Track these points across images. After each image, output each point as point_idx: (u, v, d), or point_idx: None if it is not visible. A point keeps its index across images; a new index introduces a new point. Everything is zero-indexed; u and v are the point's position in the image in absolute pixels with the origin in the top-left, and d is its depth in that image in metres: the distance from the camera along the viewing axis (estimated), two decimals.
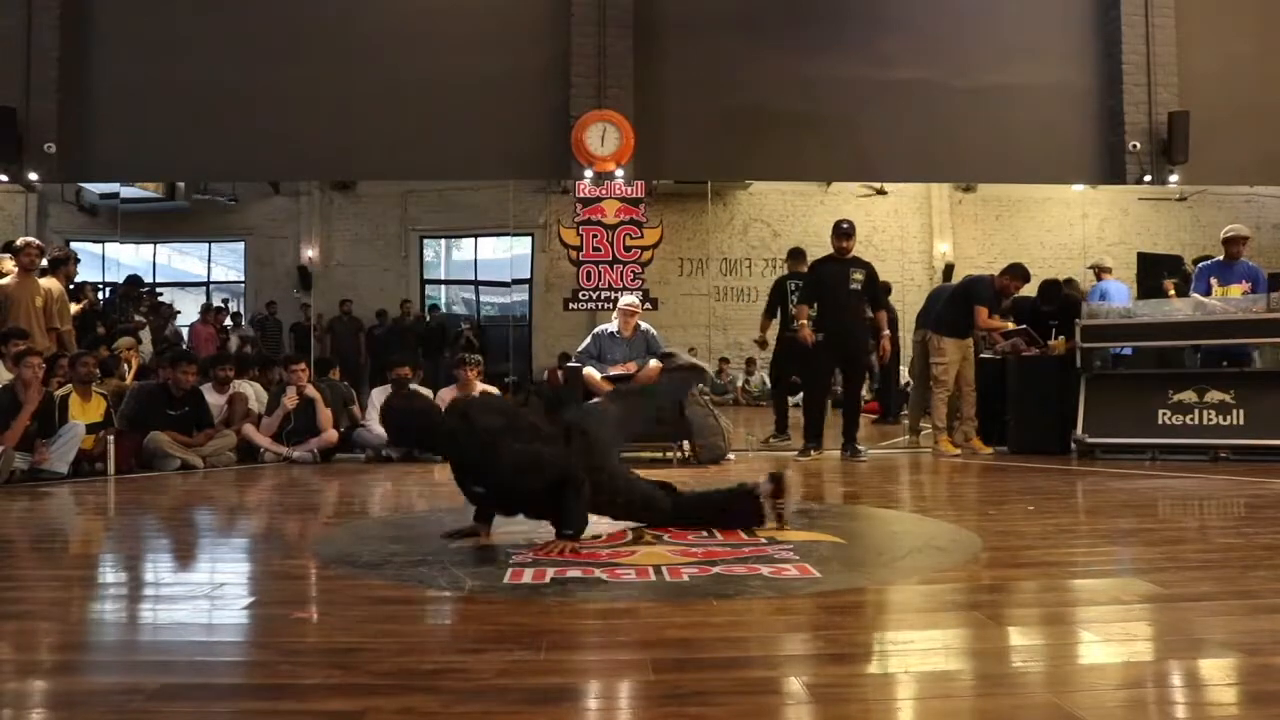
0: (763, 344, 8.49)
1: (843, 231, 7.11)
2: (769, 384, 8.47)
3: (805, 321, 7.04)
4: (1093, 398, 6.80)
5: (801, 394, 7.53)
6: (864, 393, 11.40)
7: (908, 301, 9.98)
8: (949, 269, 10.78)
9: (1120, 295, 8.20)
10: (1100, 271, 8.53)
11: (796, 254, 8.14)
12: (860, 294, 7.05)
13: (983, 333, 7.46)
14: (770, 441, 7.90)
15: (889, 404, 10.54)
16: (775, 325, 8.14)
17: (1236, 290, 6.97)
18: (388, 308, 10.83)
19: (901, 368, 10.31)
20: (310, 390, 7.30)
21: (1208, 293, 7.08)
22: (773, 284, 8.38)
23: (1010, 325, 7.36)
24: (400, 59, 9.74)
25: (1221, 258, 7.28)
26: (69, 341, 7.21)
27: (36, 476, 5.76)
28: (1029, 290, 7.57)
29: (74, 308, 7.70)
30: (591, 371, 6.90)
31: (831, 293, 7.01)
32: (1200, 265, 7.57)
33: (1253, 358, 7.20)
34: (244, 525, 4.46)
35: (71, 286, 7.92)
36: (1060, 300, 7.61)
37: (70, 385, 6.37)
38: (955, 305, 7.34)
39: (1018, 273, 7.26)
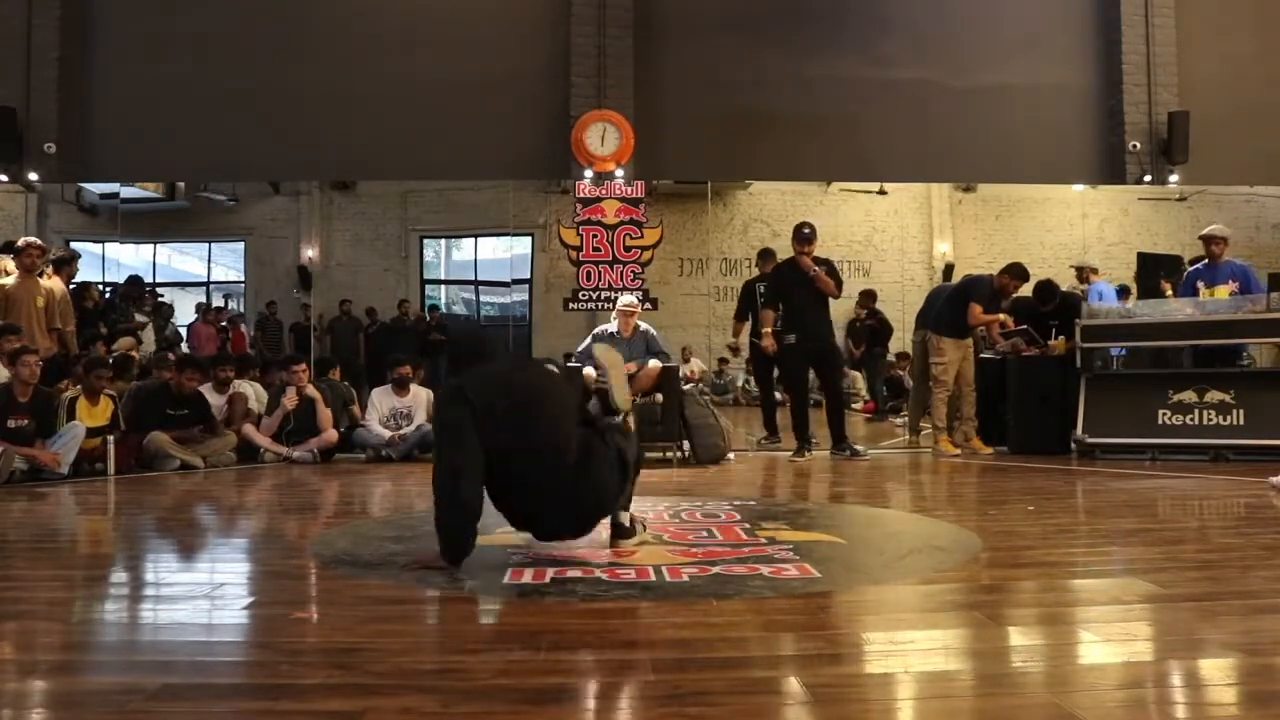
0: (735, 350, 8.53)
1: (804, 237, 7.06)
2: (753, 388, 8.51)
3: (768, 329, 7.12)
4: (1093, 398, 6.80)
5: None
6: (863, 393, 11.45)
7: (908, 301, 10.00)
8: (949, 269, 10.78)
9: (1110, 297, 8.22)
10: (1089, 273, 8.55)
11: (766, 254, 8.13)
12: (823, 293, 7.06)
13: (982, 331, 7.45)
14: (761, 444, 7.88)
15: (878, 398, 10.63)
16: (747, 329, 8.11)
17: (1224, 291, 6.95)
18: (389, 307, 10.83)
19: (904, 365, 10.31)
20: (310, 390, 7.30)
21: (1194, 296, 7.06)
22: (741, 287, 8.39)
23: (1001, 318, 7.36)
24: (400, 59, 9.73)
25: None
26: (70, 341, 7.21)
27: (36, 476, 5.76)
28: (1025, 291, 7.57)
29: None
30: (590, 372, 6.89)
31: (795, 295, 7.02)
32: (1189, 270, 7.56)
33: (1243, 358, 7.18)
34: (244, 525, 4.46)
35: (73, 286, 7.92)
36: (1056, 300, 7.60)
37: (79, 388, 6.34)
38: (954, 305, 7.34)
39: (1016, 272, 7.25)
